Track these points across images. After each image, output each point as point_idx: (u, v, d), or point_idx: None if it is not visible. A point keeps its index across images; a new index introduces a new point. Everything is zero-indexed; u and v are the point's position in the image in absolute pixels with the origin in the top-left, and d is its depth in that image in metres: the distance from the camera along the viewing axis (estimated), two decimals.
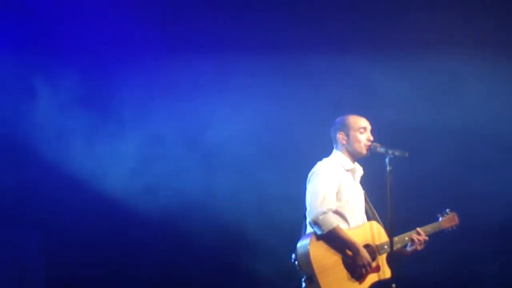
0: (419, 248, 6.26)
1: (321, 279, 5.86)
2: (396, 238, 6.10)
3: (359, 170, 6.37)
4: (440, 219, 6.46)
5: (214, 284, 8.80)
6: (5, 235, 8.51)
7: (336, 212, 6.10)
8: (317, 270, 5.87)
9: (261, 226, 8.49)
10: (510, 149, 8.38)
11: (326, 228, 5.93)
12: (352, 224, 6.16)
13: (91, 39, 8.74)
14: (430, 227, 6.36)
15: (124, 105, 8.90)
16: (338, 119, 6.40)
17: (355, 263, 5.96)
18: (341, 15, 8.51)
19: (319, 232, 5.96)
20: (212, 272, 8.77)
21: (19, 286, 8.43)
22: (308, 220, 6.06)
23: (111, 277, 8.83)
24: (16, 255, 8.48)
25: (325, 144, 6.47)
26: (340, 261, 5.96)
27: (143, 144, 8.86)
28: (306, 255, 5.92)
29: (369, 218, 6.31)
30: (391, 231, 6.00)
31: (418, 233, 6.27)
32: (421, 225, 6.32)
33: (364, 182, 6.44)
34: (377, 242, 6.14)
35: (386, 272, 6.08)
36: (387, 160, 6.01)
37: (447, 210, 6.51)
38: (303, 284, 5.96)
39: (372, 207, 6.35)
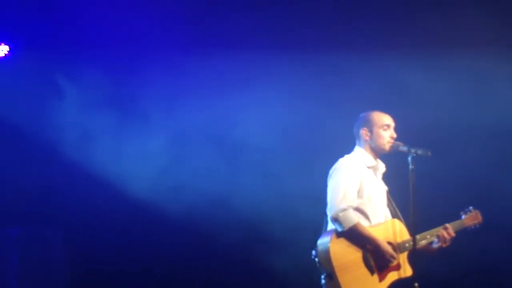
0: (444, 245, 6.19)
1: (341, 277, 5.82)
2: (418, 236, 6.03)
3: (381, 167, 6.32)
4: (463, 217, 6.39)
5: (239, 283, 8.79)
6: (31, 233, 8.56)
7: (358, 210, 6.06)
8: (337, 268, 5.83)
9: (286, 224, 8.47)
10: None
11: (347, 225, 5.90)
12: (373, 222, 6.11)
13: (117, 38, 8.79)
14: (453, 225, 6.28)
15: (150, 104, 8.93)
16: (362, 115, 6.35)
17: (378, 257, 5.92)
18: (372, 13, 8.47)
19: (339, 229, 5.92)
20: (237, 270, 8.78)
21: (44, 283, 8.47)
22: (328, 217, 6.03)
23: (135, 276, 8.87)
24: (41, 253, 8.53)
25: (350, 141, 6.42)
26: (360, 259, 5.92)
27: (168, 143, 8.89)
28: (327, 252, 5.88)
29: (392, 216, 6.26)
30: (414, 229, 5.93)
31: (446, 229, 6.20)
32: (443, 223, 6.25)
33: (386, 179, 6.38)
34: (399, 240, 6.09)
35: (407, 270, 6.02)
36: (409, 158, 5.95)
37: (470, 208, 6.44)
38: (323, 281, 5.92)
39: (394, 204, 6.30)
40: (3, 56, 8.70)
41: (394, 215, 6.26)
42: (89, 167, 8.91)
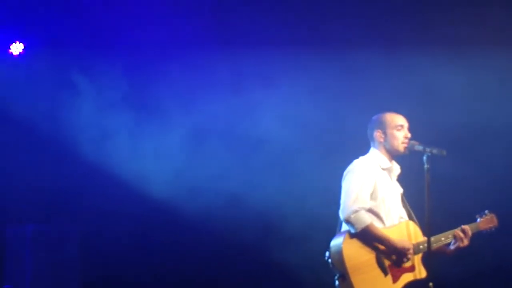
0: (462, 244, 6.13)
1: (354, 278, 5.79)
2: (432, 238, 5.98)
3: (396, 169, 6.28)
4: (478, 220, 6.32)
5: (255, 281, 8.79)
6: (45, 232, 8.58)
7: (372, 212, 6.02)
8: (350, 269, 5.81)
9: (302, 223, 8.45)
10: None
11: (359, 226, 5.87)
12: (387, 224, 6.07)
13: (134, 35, 8.79)
14: (468, 228, 6.23)
15: (168, 102, 8.92)
16: (374, 117, 6.32)
17: (392, 256, 5.89)
18: (397, 11, 8.46)
19: (352, 231, 5.90)
20: (253, 269, 8.75)
21: (57, 282, 8.49)
22: (341, 218, 6.01)
23: (150, 276, 8.87)
24: (55, 251, 8.55)
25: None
26: (373, 260, 5.89)
27: (186, 141, 8.88)
28: (340, 253, 5.86)
29: (407, 218, 6.22)
30: (428, 231, 5.89)
31: (463, 230, 6.14)
32: (458, 225, 6.19)
33: (401, 181, 6.34)
34: (413, 242, 6.04)
35: (421, 272, 5.98)
36: (424, 158, 5.90)
37: (486, 211, 6.38)
38: (336, 282, 5.90)
39: (408, 206, 6.26)
40: (18, 54, 8.74)
41: (409, 217, 6.21)
42: (106, 165, 8.92)
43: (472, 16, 8.22)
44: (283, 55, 8.59)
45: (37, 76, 8.86)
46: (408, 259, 5.94)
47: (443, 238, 6.13)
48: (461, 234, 6.13)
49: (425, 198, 5.81)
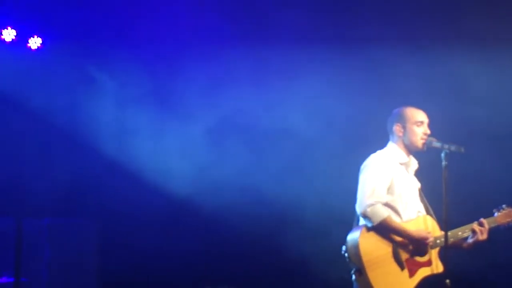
0: (481, 237, 6.09)
1: (370, 272, 5.78)
2: (449, 233, 5.94)
3: (414, 164, 6.26)
4: (496, 214, 6.27)
5: (274, 275, 8.79)
6: (64, 225, 8.61)
7: (389, 206, 6.00)
8: (366, 263, 5.80)
9: (324, 219, 8.41)
10: None
11: (376, 220, 5.86)
12: (404, 218, 6.04)
13: (155, 30, 8.78)
14: (486, 222, 6.19)
15: (190, 98, 8.91)
16: (395, 111, 6.30)
17: (411, 247, 5.88)
18: (421, 8, 8.41)
19: (369, 225, 5.89)
20: (270, 263, 8.74)
21: (75, 275, 8.51)
22: (358, 213, 6.00)
23: (169, 272, 8.87)
24: (73, 244, 8.58)
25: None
26: (390, 254, 5.87)
27: (208, 137, 8.88)
28: (356, 247, 5.85)
29: (427, 212, 6.19)
30: (446, 225, 5.85)
31: (481, 224, 6.11)
32: (475, 220, 6.16)
33: (419, 176, 6.31)
34: None
35: (438, 267, 5.96)
36: (442, 155, 5.88)
37: (504, 205, 6.33)
38: (353, 277, 5.89)
39: (426, 201, 6.23)
40: (36, 48, 8.75)
41: (426, 212, 6.19)
42: (126, 161, 8.93)
43: (498, 13, 8.15)
44: (306, 50, 8.57)
45: (55, 71, 8.86)
46: (427, 248, 5.91)
47: (460, 233, 6.10)
48: (480, 228, 6.10)
49: (443, 194, 5.77)
